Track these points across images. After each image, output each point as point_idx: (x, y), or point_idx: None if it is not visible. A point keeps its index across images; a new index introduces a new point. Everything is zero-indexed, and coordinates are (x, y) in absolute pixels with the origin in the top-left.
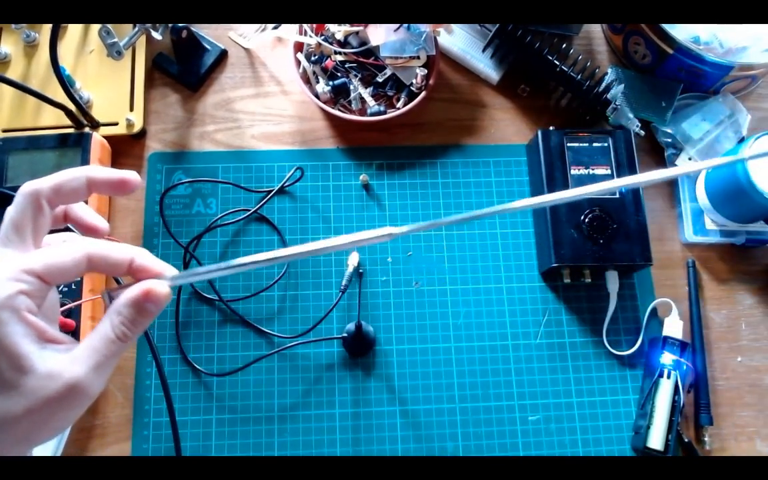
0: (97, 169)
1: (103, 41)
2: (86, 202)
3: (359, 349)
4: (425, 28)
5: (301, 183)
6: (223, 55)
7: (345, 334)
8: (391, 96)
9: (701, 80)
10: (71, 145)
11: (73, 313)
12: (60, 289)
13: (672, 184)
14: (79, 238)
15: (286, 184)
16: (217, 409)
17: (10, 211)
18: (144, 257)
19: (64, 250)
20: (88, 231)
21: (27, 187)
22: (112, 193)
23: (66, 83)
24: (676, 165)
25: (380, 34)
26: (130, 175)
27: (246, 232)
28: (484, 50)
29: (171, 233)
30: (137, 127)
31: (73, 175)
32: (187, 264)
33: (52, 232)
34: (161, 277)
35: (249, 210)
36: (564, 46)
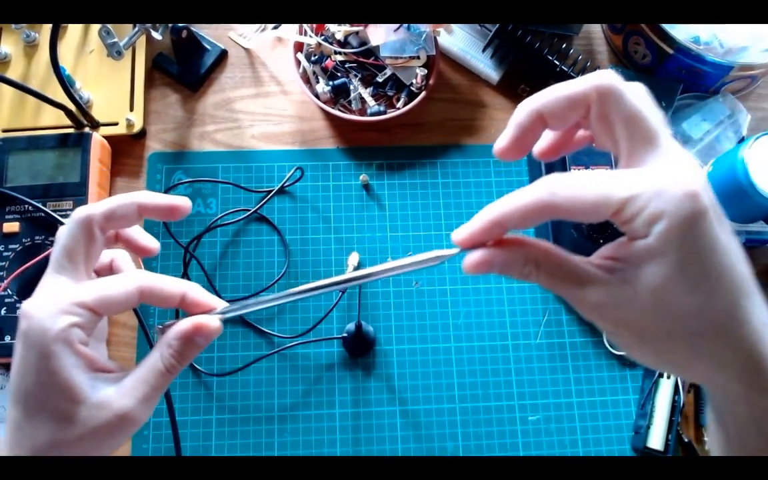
0: (148, 196)
1: (103, 41)
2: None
3: (359, 349)
4: (425, 28)
5: (301, 183)
6: (223, 55)
7: (345, 334)
8: (391, 96)
9: (701, 80)
10: (71, 145)
11: None
12: None
13: None
14: (123, 259)
15: (286, 184)
16: (217, 409)
17: (62, 238)
18: (196, 292)
19: (117, 283)
20: (139, 252)
21: (79, 214)
22: (162, 219)
23: (66, 83)
24: None
25: (380, 34)
26: (181, 200)
27: (246, 232)
28: (484, 50)
29: (171, 233)
30: (137, 127)
31: (124, 201)
32: (187, 264)
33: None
34: (212, 312)
35: (249, 210)
36: (564, 46)
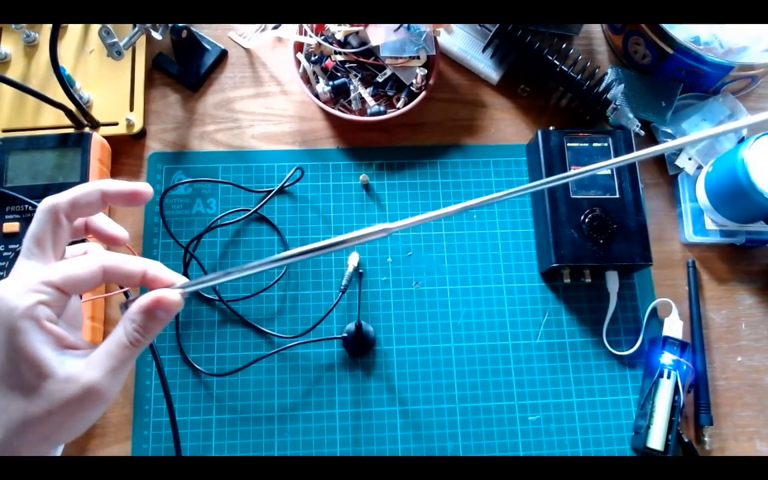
0: (111, 183)
1: (103, 41)
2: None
3: (359, 349)
4: (425, 28)
5: (301, 183)
6: (223, 55)
7: (345, 334)
8: (391, 96)
9: (701, 80)
10: (71, 145)
11: None
12: None
13: (672, 184)
14: (96, 250)
15: (286, 184)
16: (217, 409)
17: (31, 226)
18: (156, 269)
19: (81, 262)
20: (108, 241)
21: (45, 203)
22: (125, 205)
23: (66, 83)
24: (676, 165)
25: (380, 34)
26: (142, 186)
27: (246, 232)
28: (484, 50)
29: (171, 233)
30: (137, 127)
31: (88, 189)
32: (187, 264)
33: (76, 242)
34: (172, 286)
35: (249, 210)
36: (564, 46)
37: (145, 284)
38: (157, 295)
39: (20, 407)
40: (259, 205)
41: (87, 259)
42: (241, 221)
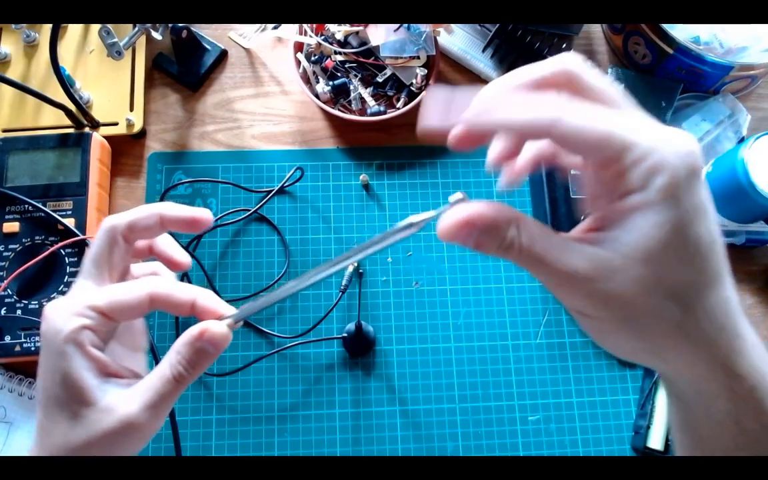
0: (170, 207)
1: (103, 41)
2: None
3: (359, 349)
4: (425, 28)
5: (301, 183)
6: (223, 55)
7: (345, 334)
8: (391, 96)
9: (701, 80)
10: (71, 145)
11: None
12: (60, 289)
13: None
14: (164, 273)
15: (286, 184)
16: (217, 409)
17: (91, 246)
18: (206, 299)
19: (129, 289)
20: (170, 265)
21: (105, 223)
22: (184, 230)
23: (66, 83)
24: None
25: (380, 34)
26: (202, 213)
27: (246, 232)
28: (484, 50)
29: (171, 233)
30: (137, 127)
31: (147, 212)
32: None
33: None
34: (221, 318)
35: (249, 210)
36: (564, 46)
37: (194, 315)
38: (203, 326)
39: (63, 432)
40: (259, 205)
41: (136, 286)
42: (241, 221)
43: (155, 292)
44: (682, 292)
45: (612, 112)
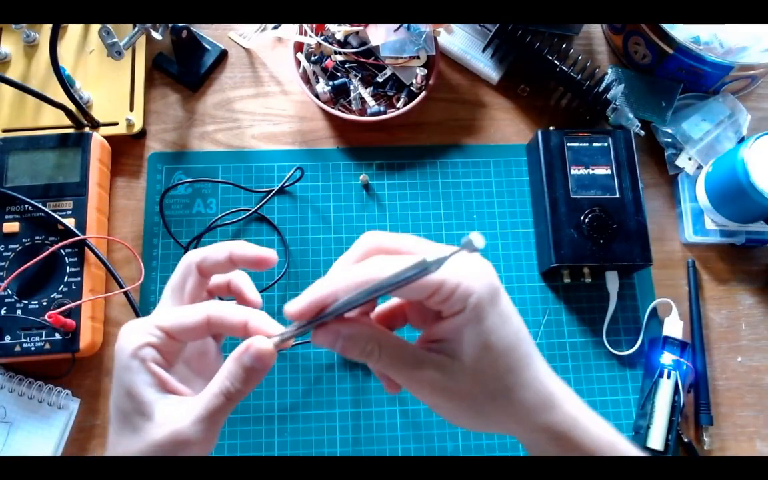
0: (240, 246)
1: (103, 41)
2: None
3: None
4: (425, 28)
5: (301, 183)
6: (223, 55)
7: None
8: (391, 96)
9: (701, 80)
10: (71, 145)
11: (73, 313)
12: (60, 289)
13: (672, 184)
14: (225, 303)
15: (286, 184)
16: None
17: (171, 276)
18: (258, 320)
19: (190, 310)
20: (242, 302)
21: (184, 257)
22: (251, 268)
23: (66, 83)
24: (676, 165)
25: (380, 34)
26: (268, 253)
27: (246, 232)
28: (484, 50)
29: (171, 233)
30: (137, 127)
31: (217, 248)
32: None
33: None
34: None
35: (249, 210)
36: (564, 46)
37: (246, 335)
38: (248, 342)
39: (125, 443)
40: (259, 205)
41: (196, 308)
42: (241, 221)
43: (212, 313)
44: (503, 379)
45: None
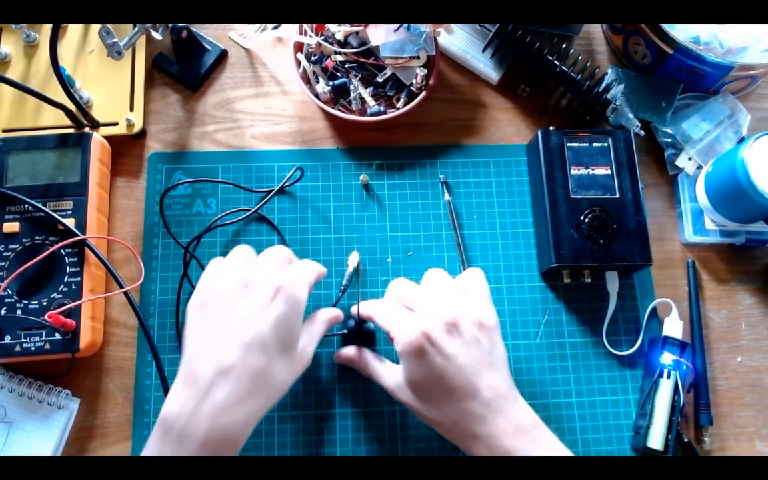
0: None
1: (103, 41)
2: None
3: (360, 343)
4: (425, 28)
5: (301, 183)
6: (223, 55)
7: (345, 330)
8: (391, 96)
9: (701, 80)
10: (71, 145)
11: (73, 313)
12: (60, 289)
13: (672, 184)
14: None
15: (286, 184)
16: None
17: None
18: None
19: (315, 268)
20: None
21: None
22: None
23: (66, 83)
24: (676, 165)
25: (380, 34)
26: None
27: (246, 232)
28: (484, 50)
29: (171, 233)
30: (137, 127)
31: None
32: (187, 264)
33: None
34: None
35: (249, 210)
36: (564, 46)
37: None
38: (335, 313)
39: (285, 370)
40: (259, 205)
41: (316, 265)
42: (241, 221)
43: (321, 271)
44: (426, 398)
45: (393, 312)
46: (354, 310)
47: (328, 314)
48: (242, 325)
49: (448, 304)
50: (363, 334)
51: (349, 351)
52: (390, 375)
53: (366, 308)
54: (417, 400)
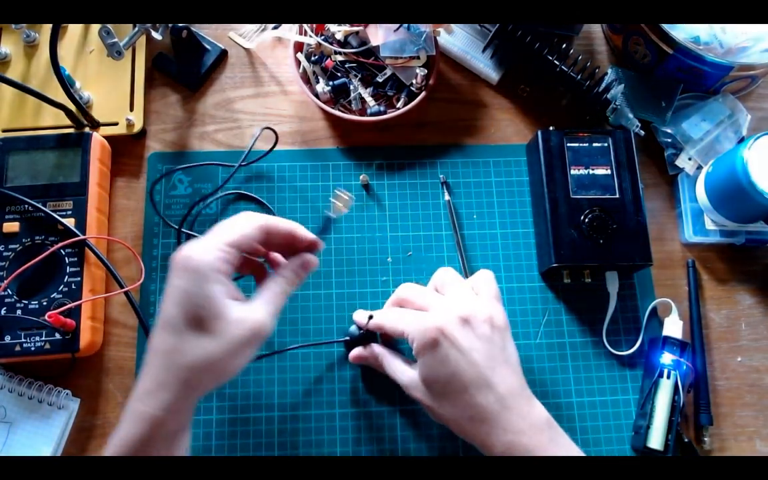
0: (301, 229)
1: (103, 41)
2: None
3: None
4: (425, 28)
5: (301, 182)
6: (223, 55)
7: (347, 337)
8: (391, 96)
9: (701, 80)
10: (71, 145)
11: (73, 313)
12: (60, 289)
13: (672, 184)
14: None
15: (254, 146)
16: (217, 409)
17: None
18: (302, 229)
19: (247, 223)
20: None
21: (255, 220)
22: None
23: (66, 83)
24: (676, 165)
25: (380, 34)
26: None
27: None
28: (484, 50)
29: (165, 221)
30: (137, 127)
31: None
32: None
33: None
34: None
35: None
36: (564, 46)
37: (293, 239)
38: (305, 257)
39: (202, 346)
40: (230, 177)
41: (251, 221)
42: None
43: (264, 224)
44: (439, 396)
45: (404, 313)
46: (356, 316)
47: (290, 280)
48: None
49: (461, 300)
50: (367, 339)
51: (362, 351)
52: (405, 372)
53: (374, 321)
54: (431, 397)
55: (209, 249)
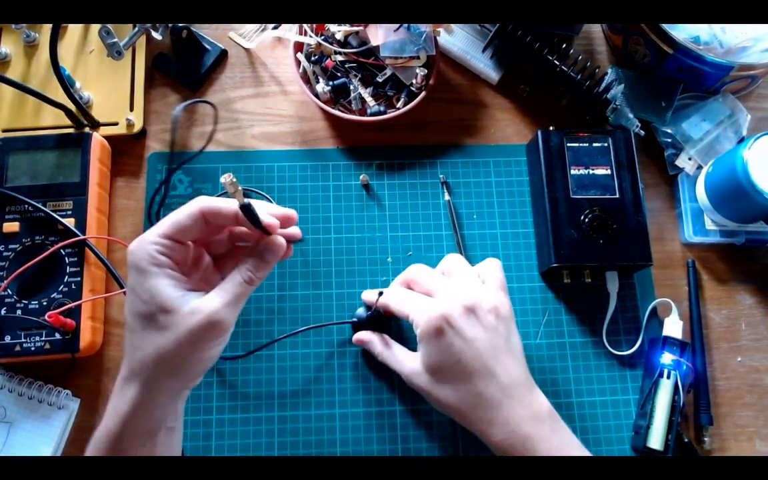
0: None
1: (103, 41)
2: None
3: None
4: (425, 28)
5: (301, 183)
6: (223, 55)
7: (355, 319)
8: (391, 96)
9: (701, 80)
10: (71, 145)
11: (73, 313)
12: (60, 289)
13: (672, 184)
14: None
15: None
16: (217, 409)
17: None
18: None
19: (183, 209)
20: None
21: (197, 202)
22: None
23: (66, 83)
24: (676, 165)
25: (380, 34)
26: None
27: None
28: (484, 50)
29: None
30: (137, 127)
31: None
32: None
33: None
34: (273, 234)
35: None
36: (564, 46)
37: (239, 223)
38: (267, 240)
39: (153, 341)
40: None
41: (188, 206)
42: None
43: (203, 206)
44: (442, 383)
45: (411, 297)
46: (365, 295)
47: (249, 264)
48: None
49: (467, 288)
50: (377, 322)
51: (366, 335)
52: (407, 360)
53: (382, 299)
54: (433, 385)
55: (143, 243)
